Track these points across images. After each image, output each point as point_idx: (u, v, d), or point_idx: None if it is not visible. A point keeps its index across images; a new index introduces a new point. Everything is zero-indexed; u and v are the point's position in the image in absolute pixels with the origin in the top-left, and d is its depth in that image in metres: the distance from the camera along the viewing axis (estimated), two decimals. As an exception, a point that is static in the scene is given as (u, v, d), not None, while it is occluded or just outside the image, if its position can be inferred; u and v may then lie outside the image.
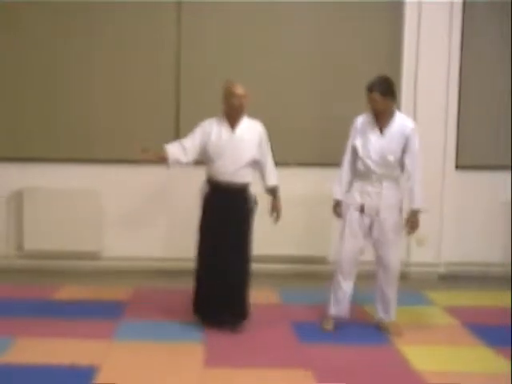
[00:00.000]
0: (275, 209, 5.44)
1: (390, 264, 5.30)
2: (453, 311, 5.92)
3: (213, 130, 5.25)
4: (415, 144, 5.18)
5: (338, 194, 5.36)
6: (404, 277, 6.88)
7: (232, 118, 5.23)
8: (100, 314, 5.60)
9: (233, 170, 5.21)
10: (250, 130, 5.27)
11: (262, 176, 5.38)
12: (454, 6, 6.83)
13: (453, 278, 6.94)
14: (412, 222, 5.24)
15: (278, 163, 6.59)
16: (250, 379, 4.49)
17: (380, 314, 5.45)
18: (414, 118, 6.89)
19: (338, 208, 5.39)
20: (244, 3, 6.80)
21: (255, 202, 5.34)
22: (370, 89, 5.12)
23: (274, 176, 5.40)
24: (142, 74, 6.85)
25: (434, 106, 6.93)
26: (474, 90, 6.97)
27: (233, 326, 5.26)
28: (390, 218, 5.23)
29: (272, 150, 5.42)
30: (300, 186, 6.78)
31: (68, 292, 6.24)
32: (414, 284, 6.79)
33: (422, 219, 6.85)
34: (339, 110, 6.44)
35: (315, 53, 6.90)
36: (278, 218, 5.45)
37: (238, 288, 5.28)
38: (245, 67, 6.84)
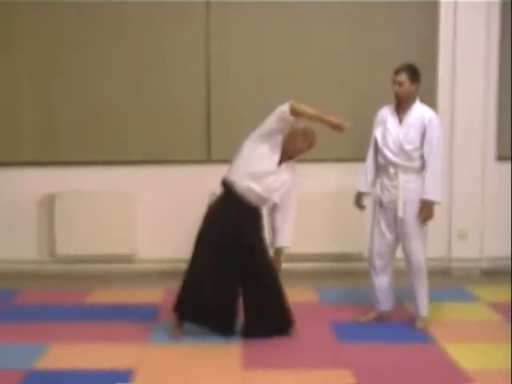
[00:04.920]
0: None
1: (413, 257, 5.22)
2: (497, 307, 5.76)
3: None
4: (433, 134, 5.08)
5: (361, 185, 5.38)
6: (446, 272, 6.82)
7: None
8: (134, 317, 5.52)
9: None
10: None
11: None
12: (491, 6, 6.69)
13: (496, 273, 6.76)
14: (423, 213, 5.12)
15: (315, 159, 6.55)
16: (290, 380, 4.37)
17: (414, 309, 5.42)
18: (452, 113, 6.79)
19: (360, 200, 5.39)
20: (276, 3, 6.68)
21: None
22: (398, 71, 5.09)
23: None
24: (172, 75, 6.76)
25: (473, 100, 6.79)
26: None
27: (282, 334, 5.11)
28: (411, 212, 5.13)
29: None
30: (335, 181, 6.68)
31: (101, 296, 6.18)
32: (456, 279, 6.67)
33: (464, 213, 6.85)
34: (373, 109, 6.36)
35: (349, 53, 6.78)
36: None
37: (274, 298, 5.12)
38: (276, 67, 6.75)
